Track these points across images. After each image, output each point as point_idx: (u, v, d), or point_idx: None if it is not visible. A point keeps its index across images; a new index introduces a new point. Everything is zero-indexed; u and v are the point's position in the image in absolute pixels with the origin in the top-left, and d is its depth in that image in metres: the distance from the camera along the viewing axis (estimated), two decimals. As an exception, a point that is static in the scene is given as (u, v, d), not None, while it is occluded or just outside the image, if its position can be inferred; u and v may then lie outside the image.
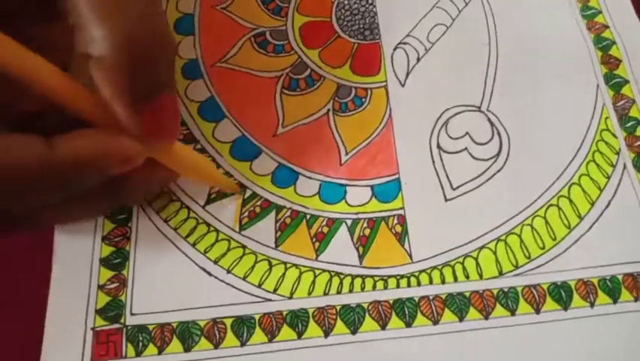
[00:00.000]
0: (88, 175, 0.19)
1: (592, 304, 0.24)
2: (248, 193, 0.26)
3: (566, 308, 0.24)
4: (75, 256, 0.24)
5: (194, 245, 0.25)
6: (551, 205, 0.26)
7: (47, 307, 0.23)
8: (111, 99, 0.18)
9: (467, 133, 0.28)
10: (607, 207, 0.26)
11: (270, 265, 0.25)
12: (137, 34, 0.18)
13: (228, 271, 0.24)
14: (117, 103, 0.18)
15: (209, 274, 0.24)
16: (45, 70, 0.18)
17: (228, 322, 0.24)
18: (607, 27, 0.31)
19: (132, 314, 0.24)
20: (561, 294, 0.24)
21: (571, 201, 0.26)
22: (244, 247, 0.25)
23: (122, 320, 0.23)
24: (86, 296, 0.24)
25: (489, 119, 0.28)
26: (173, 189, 0.26)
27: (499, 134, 0.28)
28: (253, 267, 0.25)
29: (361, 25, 0.30)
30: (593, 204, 0.26)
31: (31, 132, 0.18)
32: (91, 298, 0.24)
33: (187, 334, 0.23)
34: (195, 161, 0.24)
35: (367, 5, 0.30)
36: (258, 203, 0.26)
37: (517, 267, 0.25)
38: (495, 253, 0.25)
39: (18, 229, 0.21)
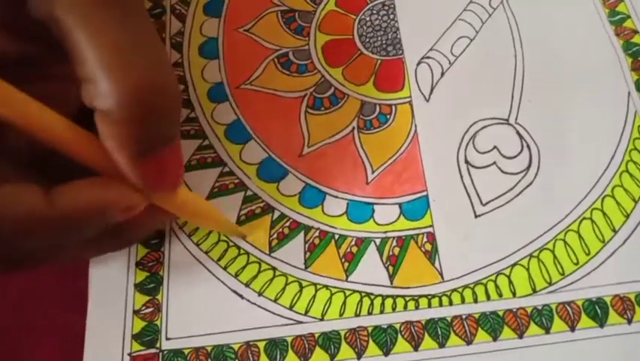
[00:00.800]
0: (88, 226, 0.19)
1: (629, 321, 0.24)
2: (276, 215, 0.26)
3: (602, 325, 0.24)
4: (110, 282, 0.25)
5: (225, 268, 0.25)
6: (584, 219, 0.26)
7: (85, 334, 0.24)
8: (115, 152, 0.18)
9: (495, 147, 0.27)
10: (643, 219, 0.26)
11: (301, 287, 0.25)
12: (144, 90, 0.17)
13: (260, 294, 0.25)
14: (121, 155, 0.18)
15: (241, 297, 0.25)
16: (48, 120, 0.18)
17: (261, 345, 0.24)
18: (636, 32, 0.30)
19: (167, 339, 0.24)
20: (597, 311, 0.24)
21: (604, 214, 0.26)
22: (274, 268, 0.25)
23: (157, 345, 0.24)
24: (122, 322, 0.24)
25: (517, 132, 0.28)
26: (203, 213, 0.26)
27: (528, 146, 0.27)
28: (284, 289, 0.25)
29: (384, 41, 0.30)
30: (627, 216, 0.26)
31: (42, 171, 0.18)
32: (127, 324, 0.24)
33: (221, 357, 0.24)
34: (198, 207, 0.24)
35: (389, 21, 0.30)
36: (287, 224, 0.26)
37: (550, 284, 0.25)
38: (528, 269, 0.25)
39: (17, 270, 0.22)
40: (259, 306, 0.24)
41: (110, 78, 0.17)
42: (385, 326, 0.24)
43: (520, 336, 0.24)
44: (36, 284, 0.25)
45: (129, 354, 0.24)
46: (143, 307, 0.25)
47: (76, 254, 0.22)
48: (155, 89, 0.18)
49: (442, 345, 0.24)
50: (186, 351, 0.24)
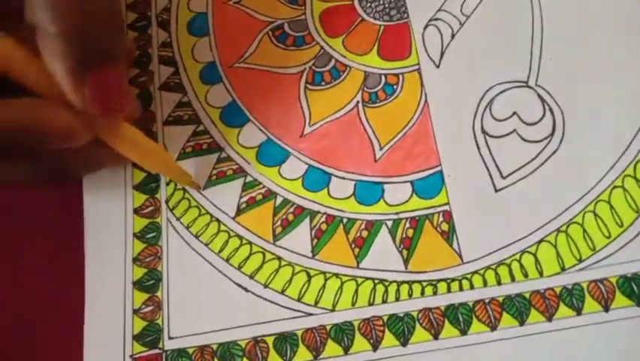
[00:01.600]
0: (22, 144, 0.20)
1: (671, 297, 0.22)
2: (279, 200, 0.24)
3: (639, 304, 0.22)
4: (107, 280, 0.24)
5: (227, 260, 0.24)
6: (615, 187, 0.23)
7: (84, 337, 0.23)
8: (55, 68, 0.19)
9: (515, 113, 0.25)
10: (682, 184, 0.23)
11: (309, 277, 0.23)
12: (82, 3, 0.19)
13: (265, 286, 0.23)
14: (61, 72, 0.19)
15: (246, 290, 0.23)
16: None
17: (270, 340, 0.22)
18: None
19: (170, 338, 0.23)
20: (632, 288, 0.22)
21: (637, 180, 0.23)
22: (280, 258, 0.24)
23: (160, 345, 0.23)
24: (121, 322, 0.23)
25: (539, 95, 0.25)
26: (201, 202, 0.25)
27: (551, 110, 0.25)
28: (291, 279, 0.23)
29: (386, 5, 0.27)
30: (665, 181, 0.23)
31: None
32: (127, 324, 0.23)
33: (228, 355, 0.22)
34: (145, 146, 0.24)
35: (391, -19, 0.28)
36: (291, 210, 0.24)
37: (580, 260, 0.22)
38: (555, 246, 0.23)
39: None
40: (265, 299, 0.23)
41: None
42: (402, 315, 0.22)
43: (550, 319, 0.22)
44: (32, 263, 0.25)
45: (131, 356, 0.22)
46: (143, 306, 0.23)
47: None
48: (90, 5, 0.19)
49: (464, 332, 0.22)
50: (190, 350, 0.22)
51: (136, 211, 0.25)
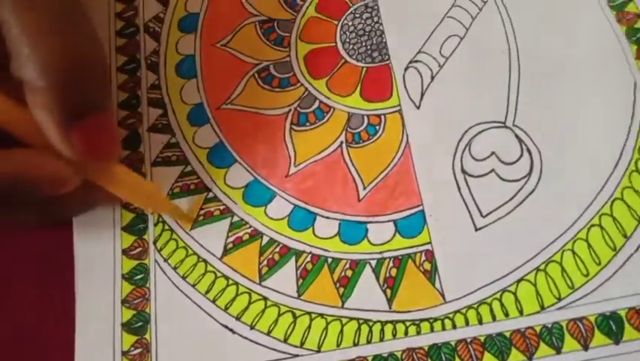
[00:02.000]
0: (11, 193, 0.20)
1: (648, 334, 0.22)
2: (265, 240, 0.25)
3: (617, 342, 0.22)
4: (96, 321, 0.24)
5: (214, 301, 0.24)
6: (593, 226, 0.24)
7: (73, 382, 0.23)
8: (43, 122, 0.19)
9: (493, 153, 0.26)
10: (656, 221, 0.24)
11: (295, 317, 0.24)
12: (66, 56, 0.19)
13: (252, 327, 0.23)
14: (49, 125, 0.19)
15: (232, 331, 0.23)
16: None
17: (256, 382, 0.23)
18: (640, 17, 0.28)
19: (158, 381, 0.23)
20: (611, 326, 0.22)
21: (614, 219, 0.24)
22: (266, 299, 0.24)
23: (148, 388, 0.23)
24: (110, 366, 0.23)
25: (516, 135, 0.26)
26: (189, 243, 0.25)
27: (528, 150, 0.25)
28: (277, 320, 0.24)
29: (368, 47, 0.28)
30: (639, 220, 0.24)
31: None
32: (116, 368, 0.23)
33: (215, 398, 0.22)
34: (138, 186, 0.24)
35: (373, 24, 0.29)
36: (277, 250, 0.25)
37: (560, 299, 0.23)
38: (535, 285, 0.23)
39: None
40: (252, 341, 0.23)
41: (31, 46, 0.18)
42: (386, 355, 0.23)
43: (530, 358, 0.22)
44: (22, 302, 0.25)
45: (119, 400, 0.23)
46: (132, 348, 0.24)
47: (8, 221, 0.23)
48: (76, 55, 0.19)
49: (446, 372, 0.22)
50: (178, 393, 0.23)
51: (124, 252, 0.25)
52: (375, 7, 0.29)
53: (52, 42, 0.19)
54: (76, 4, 0.20)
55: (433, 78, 0.27)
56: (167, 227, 0.26)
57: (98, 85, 0.21)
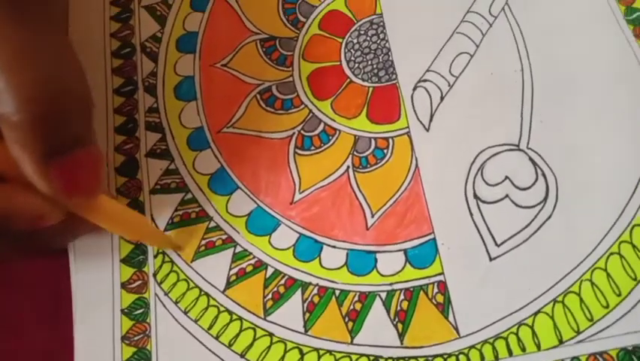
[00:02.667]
0: None
1: (673, 369, 0.21)
2: (270, 272, 0.24)
3: (642, 378, 0.21)
4: (96, 359, 0.23)
5: (217, 338, 0.23)
6: (612, 254, 0.23)
7: None
8: (20, 157, 0.18)
9: (507, 177, 0.24)
10: (679, 249, 0.23)
11: (302, 354, 0.23)
12: (43, 91, 0.18)
13: (257, 365, 0.23)
14: (26, 161, 0.18)
15: (237, 369, 0.23)
16: None
17: (263, 424, 0.22)
18: (657, 32, 0.27)
19: (160, 423, 0.22)
20: (633, 360, 0.21)
21: (634, 246, 0.23)
22: (271, 334, 0.23)
23: None
24: (110, 408, 0.22)
25: (531, 159, 0.25)
26: (190, 275, 0.24)
27: (544, 174, 0.24)
28: (283, 357, 0.23)
29: (374, 65, 0.27)
30: (661, 247, 0.23)
31: None
32: (115, 410, 0.22)
33: None
34: (125, 218, 0.23)
35: (379, 41, 0.27)
36: (282, 282, 0.24)
37: (578, 332, 0.22)
38: (552, 317, 0.22)
39: None
40: (257, 379, 0.22)
41: (6, 80, 0.17)
42: (398, 393, 0.22)
43: (549, 396, 0.21)
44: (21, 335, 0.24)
45: None
46: (132, 388, 0.23)
47: None
48: (56, 90, 0.18)
49: (462, 412, 0.21)
50: None
51: (123, 286, 0.24)
52: (381, 24, 0.28)
53: (30, 76, 0.18)
54: (57, 36, 0.19)
55: (442, 98, 0.26)
56: (167, 259, 0.25)
57: (78, 120, 0.19)
